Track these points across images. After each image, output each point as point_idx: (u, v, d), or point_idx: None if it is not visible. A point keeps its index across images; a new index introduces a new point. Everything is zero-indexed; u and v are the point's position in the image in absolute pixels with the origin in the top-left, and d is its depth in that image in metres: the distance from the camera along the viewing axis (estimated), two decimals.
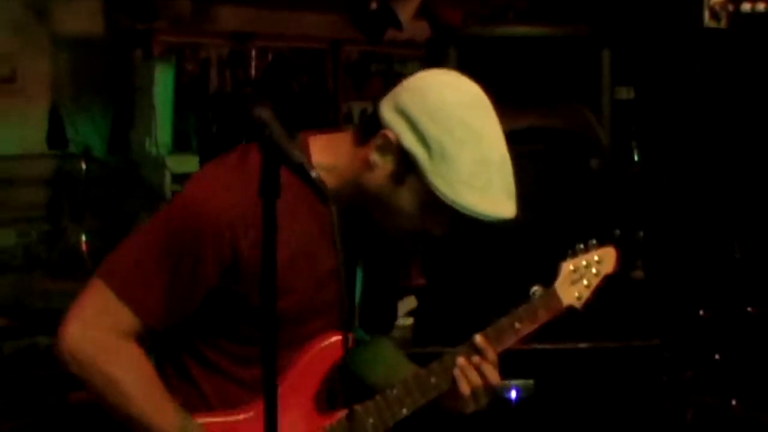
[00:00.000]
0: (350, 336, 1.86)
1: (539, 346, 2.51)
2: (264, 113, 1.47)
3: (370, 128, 1.72)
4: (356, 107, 6.54)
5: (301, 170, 1.41)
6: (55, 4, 5.63)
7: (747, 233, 3.16)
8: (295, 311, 1.76)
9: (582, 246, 2.00)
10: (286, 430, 1.66)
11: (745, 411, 2.92)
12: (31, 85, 5.68)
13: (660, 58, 3.11)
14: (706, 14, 3.01)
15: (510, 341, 1.89)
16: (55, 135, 5.44)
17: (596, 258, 2.00)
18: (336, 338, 1.82)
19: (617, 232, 2.69)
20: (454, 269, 2.77)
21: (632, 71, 3.01)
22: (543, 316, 1.93)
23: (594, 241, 2.01)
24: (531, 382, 2.63)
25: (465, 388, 1.81)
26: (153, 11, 5.01)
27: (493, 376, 1.81)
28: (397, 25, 5.40)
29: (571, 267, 1.98)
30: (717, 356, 2.98)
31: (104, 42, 5.71)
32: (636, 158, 3.09)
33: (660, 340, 2.74)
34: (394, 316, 1.68)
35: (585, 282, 1.98)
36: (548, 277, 2.47)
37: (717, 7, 3.02)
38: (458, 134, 1.68)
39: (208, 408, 1.78)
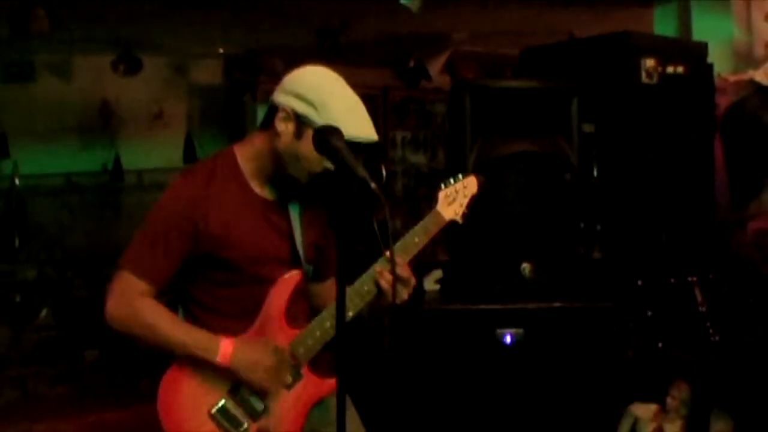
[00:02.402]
0: (300, 271, 2.11)
1: (528, 306, 2.94)
2: (338, 142, 1.83)
3: (270, 115, 2.02)
4: (399, 134, 7.17)
5: (364, 183, 1.73)
6: (190, 64, 6.38)
7: (671, 227, 3.44)
8: (244, 259, 2.03)
9: (451, 180, 2.22)
10: (269, 339, 2.05)
11: (667, 350, 3.23)
12: (173, 119, 6.36)
13: (612, 104, 3.36)
14: (643, 74, 3.37)
15: (413, 252, 2.13)
16: (189, 154, 6.09)
17: (464, 185, 2.22)
18: (290, 273, 2.09)
19: (582, 224, 3.26)
20: (469, 248, 3.05)
21: (593, 113, 3.26)
22: (433, 230, 2.16)
23: (460, 175, 2.24)
24: (521, 330, 2.91)
25: (384, 285, 2.04)
26: (257, 68, 5.69)
27: (403, 273, 2.03)
28: (428, 77, 6.22)
29: (446, 193, 2.20)
30: (649, 313, 3.26)
31: (223, 89, 6.44)
32: (596, 174, 3.30)
33: (611, 302, 3.02)
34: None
35: (459, 202, 2.20)
36: (535, 256, 2.99)
37: (650, 69, 3.36)
38: (327, 91, 1.96)
39: None
